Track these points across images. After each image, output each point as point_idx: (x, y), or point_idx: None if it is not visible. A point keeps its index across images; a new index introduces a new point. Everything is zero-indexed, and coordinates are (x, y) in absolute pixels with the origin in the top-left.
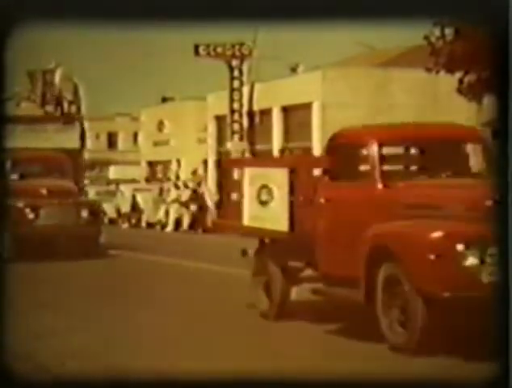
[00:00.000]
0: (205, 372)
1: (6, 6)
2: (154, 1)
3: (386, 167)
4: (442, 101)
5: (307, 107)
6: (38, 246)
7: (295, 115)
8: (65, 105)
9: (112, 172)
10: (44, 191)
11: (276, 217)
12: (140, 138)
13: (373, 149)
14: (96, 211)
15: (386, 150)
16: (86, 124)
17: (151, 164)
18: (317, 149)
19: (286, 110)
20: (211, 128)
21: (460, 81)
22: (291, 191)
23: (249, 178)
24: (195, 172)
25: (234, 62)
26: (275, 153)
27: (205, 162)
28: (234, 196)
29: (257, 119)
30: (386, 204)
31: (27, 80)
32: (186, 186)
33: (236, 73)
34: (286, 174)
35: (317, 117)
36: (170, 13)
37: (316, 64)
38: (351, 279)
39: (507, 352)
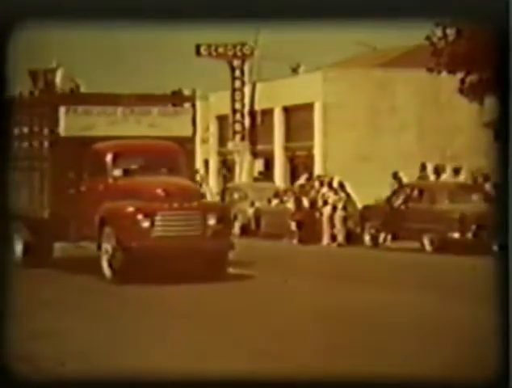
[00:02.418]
0: None
1: (7, 6)
2: (155, 1)
3: None
4: (444, 102)
5: (308, 107)
6: (153, 263)
7: (297, 116)
8: None
9: None
10: (161, 192)
11: None
12: None
13: None
14: (226, 217)
15: None
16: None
17: None
18: (319, 149)
19: (287, 110)
20: (213, 128)
21: (462, 81)
22: None
23: None
24: (196, 172)
25: (236, 62)
26: (277, 153)
27: (206, 162)
28: None
29: (258, 119)
30: None
31: (28, 80)
32: None
33: (237, 73)
34: None
35: (319, 117)
36: (172, 13)
37: (318, 64)
38: None
39: (507, 351)
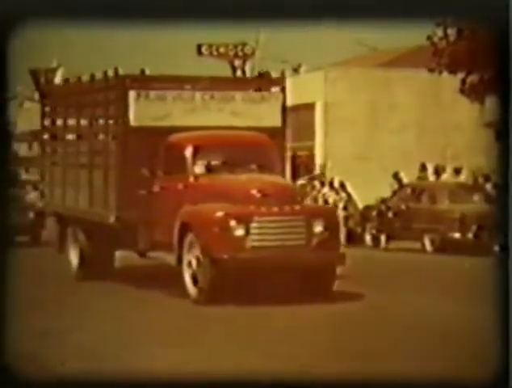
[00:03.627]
0: None
1: (7, 6)
2: (156, 0)
3: None
4: (445, 102)
5: (309, 107)
6: (248, 279)
7: (298, 115)
8: None
9: None
10: (256, 193)
11: None
12: None
13: None
14: (335, 224)
15: None
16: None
17: None
18: (320, 150)
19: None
20: None
21: (463, 81)
22: None
23: None
24: None
25: (237, 62)
26: None
27: None
28: None
29: None
30: None
31: (29, 79)
32: None
33: (238, 73)
34: None
35: (320, 117)
36: (173, 13)
37: (319, 64)
38: None
39: (507, 351)
